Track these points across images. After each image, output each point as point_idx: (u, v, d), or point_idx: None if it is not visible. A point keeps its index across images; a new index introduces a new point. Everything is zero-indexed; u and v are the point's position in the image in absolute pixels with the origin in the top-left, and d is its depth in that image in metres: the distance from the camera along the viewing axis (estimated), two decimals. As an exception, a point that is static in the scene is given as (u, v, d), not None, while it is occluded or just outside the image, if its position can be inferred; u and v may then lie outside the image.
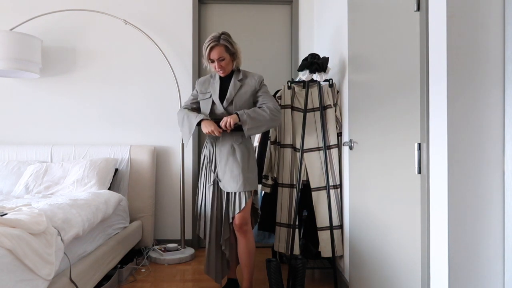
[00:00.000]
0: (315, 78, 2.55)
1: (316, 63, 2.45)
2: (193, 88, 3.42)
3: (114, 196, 2.74)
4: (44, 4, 3.38)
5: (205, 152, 2.36)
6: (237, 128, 2.26)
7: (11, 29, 3.11)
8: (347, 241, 2.42)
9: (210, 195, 2.28)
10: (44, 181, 2.87)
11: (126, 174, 3.21)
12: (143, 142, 3.44)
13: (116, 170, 3.19)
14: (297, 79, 2.74)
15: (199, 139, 3.50)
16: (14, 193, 2.83)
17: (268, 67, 3.55)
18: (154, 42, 3.24)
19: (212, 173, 2.28)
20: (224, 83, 2.31)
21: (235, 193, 2.22)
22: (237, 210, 2.21)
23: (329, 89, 2.61)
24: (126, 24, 3.24)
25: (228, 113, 2.25)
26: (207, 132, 2.17)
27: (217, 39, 2.18)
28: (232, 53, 2.24)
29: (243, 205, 2.20)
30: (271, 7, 3.56)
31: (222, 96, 2.27)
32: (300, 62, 2.97)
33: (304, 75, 2.49)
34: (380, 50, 1.75)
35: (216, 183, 2.28)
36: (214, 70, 2.29)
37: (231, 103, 2.26)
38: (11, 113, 3.40)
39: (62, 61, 3.41)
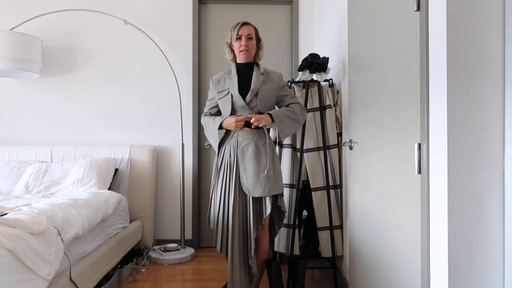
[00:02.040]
0: (315, 78, 2.56)
1: (316, 63, 2.45)
2: (195, 87, 3.43)
3: (114, 196, 2.74)
4: (44, 4, 3.38)
5: (224, 153, 2.17)
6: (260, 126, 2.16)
7: (11, 29, 3.11)
8: (347, 241, 2.42)
9: (233, 201, 2.08)
10: (44, 181, 2.87)
11: (126, 174, 3.21)
12: (143, 142, 3.44)
13: (116, 170, 3.19)
14: (297, 79, 2.74)
15: (199, 138, 3.50)
16: (14, 193, 2.83)
17: (268, 67, 3.53)
18: (154, 42, 3.24)
19: (234, 177, 2.10)
20: (242, 77, 2.18)
21: (260, 198, 2.08)
22: (263, 216, 2.07)
23: (329, 89, 2.61)
24: (126, 24, 3.24)
25: (250, 107, 2.13)
26: (235, 128, 2.10)
27: (247, 21, 2.19)
28: (258, 39, 2.22)
29: (268, 210, 2.05)
30: (271, 7, 3.56)
31: (241, 90, 2.14)
32: (300, 62, 2.97)
33: (304, 75, 2.49)
34: (380, 50, 1.75)
35: (239, 187, 2.11)
36: (237, 52, 2.16)
37: (255, 95, 2.13)
38: (11, 113, 3.40)
39: (62, 61, 3.41)
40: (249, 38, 2.14)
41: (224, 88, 2.19)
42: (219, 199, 2.14)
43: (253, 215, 2.07)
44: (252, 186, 2.06)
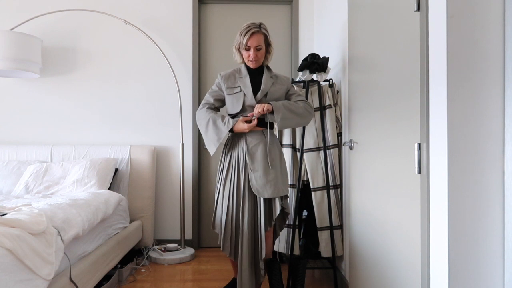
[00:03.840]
0: (315, 78, 2.56)
1: (316, 63, 2.45)
2: (195, 87, 3.43)
3: (114, 196, 2.74)
4: (44, 4, 3.38)
5: (232, 154, 2.14)
6: (269, 126, 2.15)
7: (11, 29, 3.11)
8: (347, 241, 2.42)
9: (243, 203, 2.07)
10: (44, 181, 2.87)
11: (126, 174, 3.21)
12: (143, 142, 3.44)
13: (116, 170, 3.19)
14: (297, 79, 2.74)
15: (199, 138, 3.50)
16: (14, 193, 2.83)
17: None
18: (154, 42, 3.24)
19: (243, 178, 2.08)
20: (253, 78, 2.15)
21: (269, 199, 2.06)
22: (273, 217, 2.06)
23: (329, 89, 2.61)
24: (126, 24, 3.24)
25: None
26: (247, 130, 2.05)
27: (257, 26, 2.06)
28: (268, 44, 2.13)
29: (277, 212, 2.04)
30: (271, 7, 3.56)
31: (253, 90, 2.13)
32: (300, 62, 2.97)
33: (304, 75, 2.49)
34: (380, 50, 1.75)
35: (249, 188, 2.08)
36: (246, 60, 2.12)
37: (265, 96, 2.11)
38: (11, 113, 3.40)
39: (62, 61, 3.41)
40: (258, 49, 2.08)
41: (235, 85, 2.15)
42: (227, 201, 2.10)
43: (264, 217, 2.06)
44: (262, 187, 2.04)
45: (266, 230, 2.07)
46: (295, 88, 2.27)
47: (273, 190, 2.03)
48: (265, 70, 2.19)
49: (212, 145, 2.10)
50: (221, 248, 2.12)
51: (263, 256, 2.07)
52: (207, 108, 2.19)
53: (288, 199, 2.33)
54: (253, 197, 2.10)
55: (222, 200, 2.13)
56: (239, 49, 2.14)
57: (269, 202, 2.09)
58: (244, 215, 2.06)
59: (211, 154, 2.13)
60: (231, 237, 2.10)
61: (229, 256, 2.11)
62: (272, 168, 2.07)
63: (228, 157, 2.16)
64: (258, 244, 2.08)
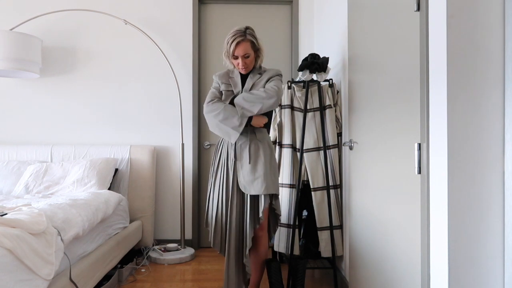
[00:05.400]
0: (315, 78, 2.56)
1: (316, 63, 2.45)
2: (195, 87, 3.43)
3: (114, 196, 2.74)
4: (44, 4, 3.38)
5: (221, 151, 2.16)
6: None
7: (11, 29, 3.11)
8: (347, 241, 2.42)
9: (231, 199, 2.08)
10: (44, 181, 2.87)
11: (126, 174, 3.21)
12: (143, 142, 3.44)
13: (116, 170, 3.19)
14: (297, 79, 2.74)
15: (200, 137, 3.50)
16: (14, 193, 2.83)
17: (268, 67, 3.54)
18: (154, 42, 3.24)
19: (232, 174, 2.09)
20: (244, 78, 2.18)
21: (257, 196, 2.07)
22: (260, 215, 2.06)
23: (329, 89, 2.61)
24: (126, 24, 3.24)
25: None
26: (260, 125, 2.10)
27: (243, 34, 2.02)
28: (256, 49, 2.10)
29: (262, 209, 2.04)
30: (271, 7, 3.56)
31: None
32: (300, 62, 2.97)
33: (304, 75, 2.49)
34: (380, 50, 1.75)
35: (237, 185, 2.09)
36: (236, 68, 2.14)
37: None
38: (11, 113, 3.40)
39: (62, 61, 3.41)
40: (246, 57, 2.06)
41: (227, 83, 2.17)
42: (217, 198, 2.13)
43: (250, 214, 2.07)
44: (249, 184, 2.05)
45: (252, 227, 2.08)
46: (279, 81, 2.17)
47: (260, 187, 2.03)
48: (254, 68, 2.17)
49: (234, 132, 2.04)
50: (211, 245, 2.16)
51: (247, 253, 2.07)
52: (217, 101, 2.15)
53: (279, 200, 2.32)
54: (242, 194, 2.11)
55: (213, 197, 2.16)
56: (228, 57, 2.12)
57: (256, 199, 2.09)
58: (232, 212, 2.08)
59: (233, 142, 2.07)
60: (221, 234, 2.13)
61: (219, 252, 2.16)
62: (260, 165, 2.06)
63: (218, 154, 2.18)
64: (244, 241, 2.10)
